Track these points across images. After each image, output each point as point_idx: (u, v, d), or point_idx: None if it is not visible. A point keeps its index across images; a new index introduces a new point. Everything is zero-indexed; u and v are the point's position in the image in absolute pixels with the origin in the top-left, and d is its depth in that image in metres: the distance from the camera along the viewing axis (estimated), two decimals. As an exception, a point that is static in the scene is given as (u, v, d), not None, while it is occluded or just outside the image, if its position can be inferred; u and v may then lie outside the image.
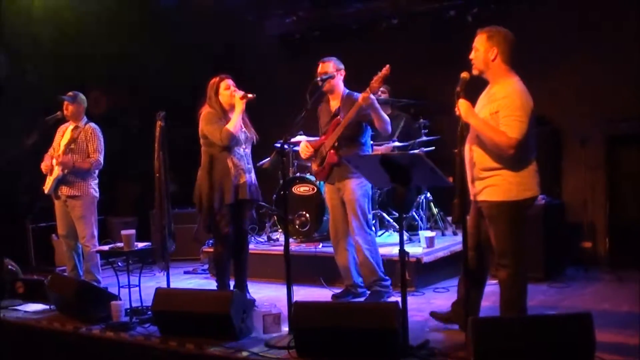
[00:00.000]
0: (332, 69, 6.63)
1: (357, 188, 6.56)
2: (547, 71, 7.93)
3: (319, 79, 6.45)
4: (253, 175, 6.84)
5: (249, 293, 6.97)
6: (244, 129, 6.75)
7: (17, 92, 9.22)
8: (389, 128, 6.61)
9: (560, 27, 8.24)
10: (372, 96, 6.32)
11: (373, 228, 7.08)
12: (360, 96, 6.34)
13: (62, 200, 7.61)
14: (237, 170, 6.66)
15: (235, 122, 6.56)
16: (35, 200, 8.67)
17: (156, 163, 6.52)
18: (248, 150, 6.82)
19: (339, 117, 6.66)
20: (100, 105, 9.53)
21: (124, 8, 9.65)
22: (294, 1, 10.04)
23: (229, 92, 6.69)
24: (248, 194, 6.69)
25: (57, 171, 7.51)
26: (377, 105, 6.42)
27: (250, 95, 6.56)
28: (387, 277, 6.67)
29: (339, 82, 6.72)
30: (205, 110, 6.74)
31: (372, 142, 7.35)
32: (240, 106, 6.57)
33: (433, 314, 5.83)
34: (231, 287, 6.84)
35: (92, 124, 7.70)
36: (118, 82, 9.98)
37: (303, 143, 6.92)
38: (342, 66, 6.73)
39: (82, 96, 7.73)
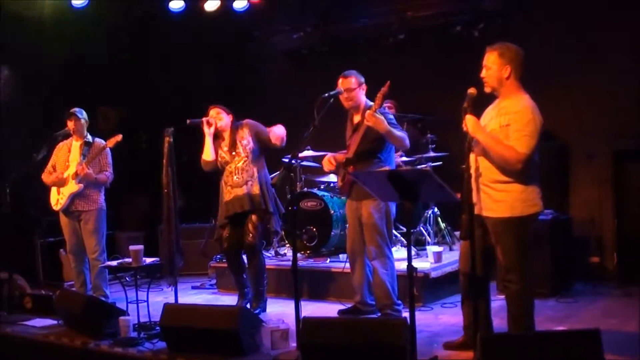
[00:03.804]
0: (353, 84, 6.47)
1: (374, 210, 6.40)
2: (554, 86, 7.93)
3: (326, 94, 6.35)
4: (247, 187, 6.98)
5: (261, 310, 7.08)
6: (226, 149, 7.07)
7: (24, 107, 9.28)
8: (407, 143, 6.40)
9: (567, 42, 8.24)
10: (377, 115, 6.11)
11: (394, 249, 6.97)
12: (365, 116, 6.16)
13: (75, 216, 7.65)
14: (226, 187, 7.03)
15: (205, 150, 7.04)
16: (44, 215, 8.68)
17: (164, 179, 6.54)
18: (239, 165, 7.00)
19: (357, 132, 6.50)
20: (109, 121, 9.60)
21: (132, 24, 9.73)
22: (301, 17, 10.06)
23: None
24: (238, 207, 6.96)
25: (74, 187, 7.54)
26: (386, 125, 6.15)
27: (206, 120, 7.04)
28: (399, 302, 6.53)
29: (361, 97, 6.55)
30: None
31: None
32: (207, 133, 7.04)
33: (447, 345, 5.63)
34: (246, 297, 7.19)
35: (100, 139, 7.74)
36: (126, 97, 10.04)
37: (327, 157, 6.74)
38: (363, 79, 6.56)
39: (83, 111, 7.78)
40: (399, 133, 6.32)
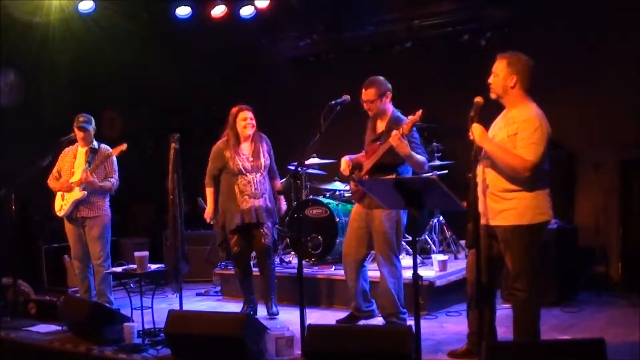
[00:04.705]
0: (373, 96, 6.38)
1: (385, 219, 6.37)
2: (560, 95, 7.90)
3: (333, 102, 6.24)
4: (263, 199, 7.13)
5: (275, 306, 7.26)
6: (251, 159, 7.10)
7: (30, 112, 9.30)
8: (426, 168, 6.37)
9: (574, 51, 8.24)
10: (403, 139, 6.04)
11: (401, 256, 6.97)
12: (391, 135, 6.08)
13: (79, 222, 7.63)
14: (243, 196, 7.06)
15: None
16: (48, 221, 8.68)
17: (170, 185, 6.54)
18: (258, 177, 7.13)
19: (379, 142, 6.40)
20: (115, 126, 9.61)
21: (139, 30, 9.74)
22: (308, 24, 10.07)
23: (244, 124, 7.09)
24: (254, 217, 7.04)
25: (78, 193, 7.53)
26: (408, 150, 6.08)
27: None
28: (404, 310, 6.49)
29: (383, 106, 6.45)
30: (219, 141, 7.22)
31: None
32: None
33: (451, 353, 5.62)
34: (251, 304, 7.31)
35: (106, 146, 7.73)
36: (132, 103, 10.06)
37: (345, 160, 6.68)
38: (387, 88, 6.45)
39: (92, 119, 7.77)
40: (420, 158, 6.24)
